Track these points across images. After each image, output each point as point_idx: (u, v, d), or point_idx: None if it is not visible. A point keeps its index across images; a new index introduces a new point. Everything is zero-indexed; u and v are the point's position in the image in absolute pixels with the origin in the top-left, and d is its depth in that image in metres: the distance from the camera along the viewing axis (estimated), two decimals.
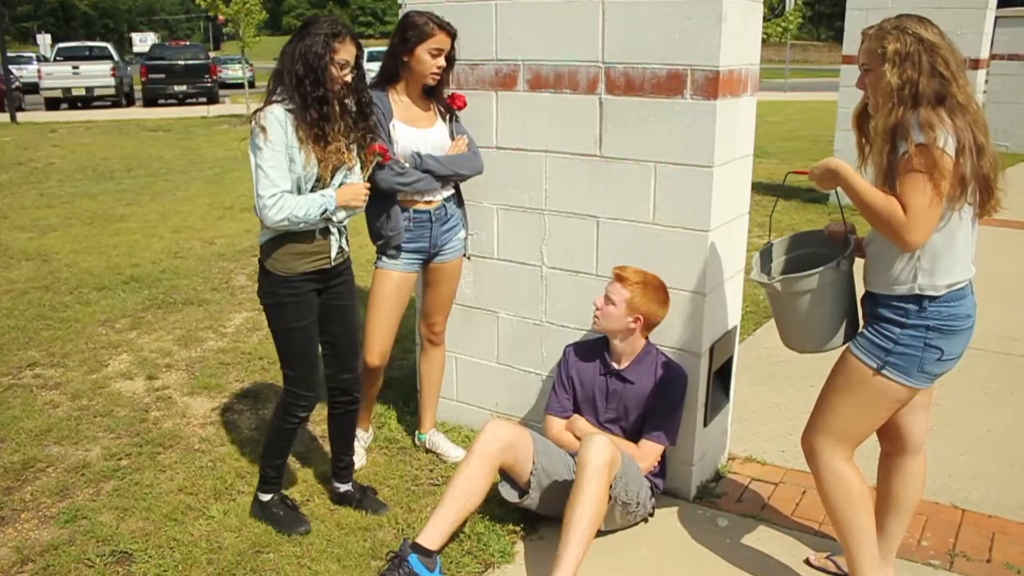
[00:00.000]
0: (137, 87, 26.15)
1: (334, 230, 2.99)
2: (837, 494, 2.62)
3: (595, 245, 3.35)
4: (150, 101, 24.69)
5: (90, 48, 26.22)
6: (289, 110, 2.80)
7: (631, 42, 3.09)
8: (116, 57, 25.29)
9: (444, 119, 3.42)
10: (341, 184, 2.96)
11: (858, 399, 2.53)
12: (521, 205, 3.51)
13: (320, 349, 3.15)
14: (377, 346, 3.45)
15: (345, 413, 3.27)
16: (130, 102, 25.30)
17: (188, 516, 3.24)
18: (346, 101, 2.93)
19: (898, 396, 2.49)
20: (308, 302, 2.98)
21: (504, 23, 3.37)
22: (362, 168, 3.03)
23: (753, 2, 3.11)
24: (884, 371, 2.45)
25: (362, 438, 3.71)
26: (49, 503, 3.35)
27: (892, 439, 2.75)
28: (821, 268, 2.51)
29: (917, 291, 2.39)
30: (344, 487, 3.35)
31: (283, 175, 2.78)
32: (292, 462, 3.66)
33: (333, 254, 3.00)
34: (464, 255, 3.60)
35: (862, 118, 2.55)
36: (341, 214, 2.96)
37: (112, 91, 23.84)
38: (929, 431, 3.86)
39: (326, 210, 2.85)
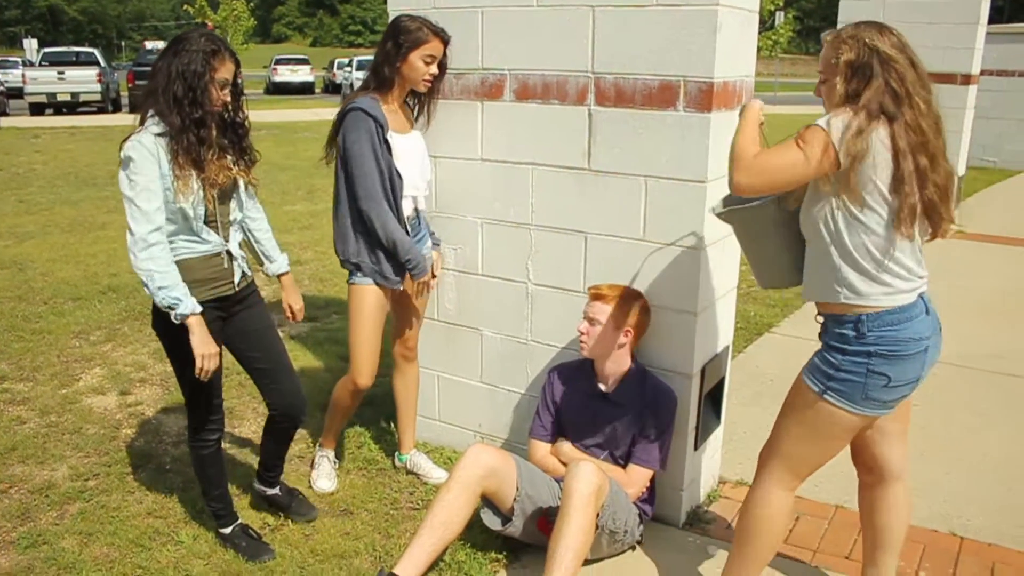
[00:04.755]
0: (124, 93, 25.95)
1: (237, 255, 2.87)
2: (758, 516, 2.54)
3: (583, 261, 3.24)
4: (137, 107, 24.49)
5: (76, 53, 25.97)
6: (160, 135, 2.62)
7: (622, 52, 2.98)
8: (103, 63, 25.06)
9: (415, 123, 3.36)
10: (242, 218, 2.90)
11: (804, 422, 2.44)
12: (506, 219, 3.39)
13: (252, 380, 3.09)
14: (367, 366, 3.31)
15: (283, 432, 3.18)
16: (116, 108, 25.08)
17: (155, 542, 3.10)
18: (224, 119, 2.79)
19: (846, 423, 2.38)
20: (211, 330, 2.79)
21: (490, 31, 3.26)
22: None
23: (749, 13, 3.01)
24: (826, 396, 2.35)
25: (331, 458, 3.58)
26: (9, 527, 3.19)
27: (870, 468, 2.65)
28: (764, 199, 2.49)
29: (844, 300, 2.31)
30: (271, 491, 3.27)
31: (159, 209, 2.60)
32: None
33: (236, 279, 2.87)
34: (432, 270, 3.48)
35: None
36: (235, 247, 2.85)
37: (98, 97, 23.60)
38: (923, 456, 3.79)
39: (171, 307, 2.61)
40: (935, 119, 2.25)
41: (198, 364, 2.69)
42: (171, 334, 2.76)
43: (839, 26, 9.18)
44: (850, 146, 2.18)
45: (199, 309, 2.67)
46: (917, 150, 2.20)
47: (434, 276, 3.37)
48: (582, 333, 2.99)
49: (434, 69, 3.16)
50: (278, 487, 3.29)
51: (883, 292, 2.28)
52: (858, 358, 2.31)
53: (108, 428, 4.06)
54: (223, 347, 2.95)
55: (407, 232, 3.20)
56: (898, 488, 2.63)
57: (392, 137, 3.13)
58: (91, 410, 4.26)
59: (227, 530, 3.06)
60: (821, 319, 2.43)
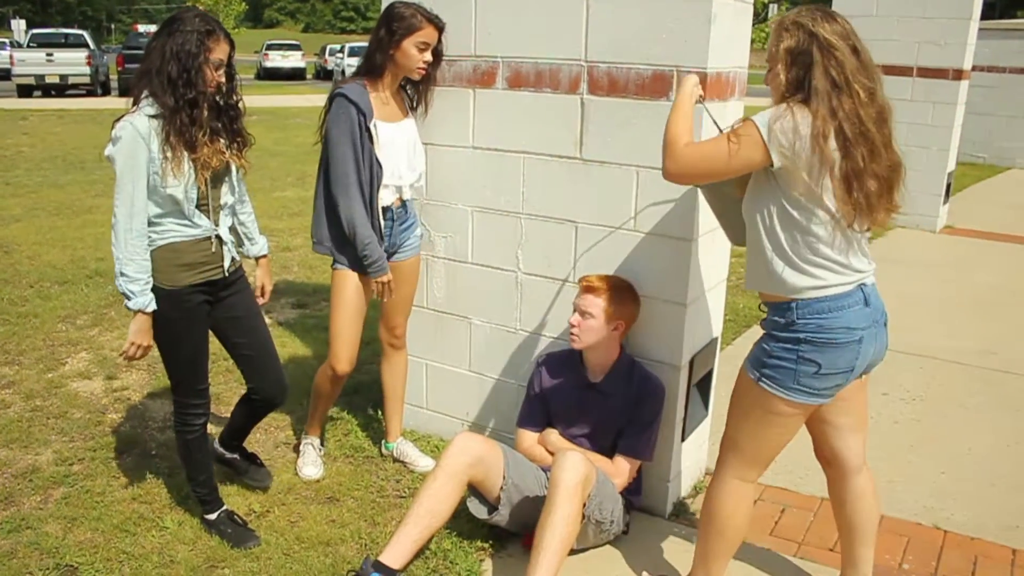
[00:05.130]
0: (113, 76, 25.74)
1: (227, 240, 2.87)
2: (718, 508, 2.56)
3: (573, 251, 3.23)
4: (126, 91, 24.00)
5: (65, 35, 25.69)
6: (153, 116, 2.62)
7: (616, 41, 2.97)
8: (92, 45, 24.82)
9: (416, 112, 3.32)
10: (234, 203, 2.92)
11: (746, 412, 2.47)
12: (497, 207, 3.38)
13: (236, 364, 3.12)
14: (346, 352, 3.31)
15: (259, 411, 3.23)
16: (106, 91, 24.86)
17: (140, 527, 3.08)
18: (217, 101, 2.78)
19: (782, 411, 2.38)
20: (197, 315, 2.84)
21: (483, 18, 3.24)
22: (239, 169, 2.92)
23: (743, 4, 3.00)
24: (761, 383, 2.38)
25: (316, 445, 3.57)
26: None
27: (829, 462, 2.67)
28: None
29: (774, 292, 2.35)
30: (230, 455, 3.33)
31: (142, 194, 2.62)
32: None
33: (226, 264, 2.88)
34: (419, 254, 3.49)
35: None
36: (225, 232, 2.87)
37: (87, 80, 23.36)
38: (912, 449, 3.81)
39: (125, 295, 2.67)
40: (878, 109, 2.23)
41: (125, 347, 2.75)
42: (158, 317, 2.76)
43: None
44: (825, 152, 2.17)
45: (149, 309, 2.70)
46: (856, 141, 2.18)
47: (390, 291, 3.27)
48: (573, 326, 2.97)
49: (428, 56, 3.14)
50: (238, 452, 3.34)
51: (812, 286, 2.29)
52: (788, 344, 2.33)
53: (94, 413, 4.03)
54: (210, 331, 2.94)
55: (380, 223, 3.17)
56: (860, 480, 2.63)
57: (377, 125, 3.11)
58: (77, 394, 4.23)
59: (212, 516, 3.05)
60: (765, 308, 2.46)
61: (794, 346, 2.32)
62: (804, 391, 2.34)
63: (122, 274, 2.64)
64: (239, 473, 3.33)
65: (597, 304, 2.92)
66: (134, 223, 2.62)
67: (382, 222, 3.19)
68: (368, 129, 3.07)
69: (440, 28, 3.13)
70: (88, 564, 2.86)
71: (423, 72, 3.17)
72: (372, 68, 3.15)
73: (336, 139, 3.06)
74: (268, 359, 3.08)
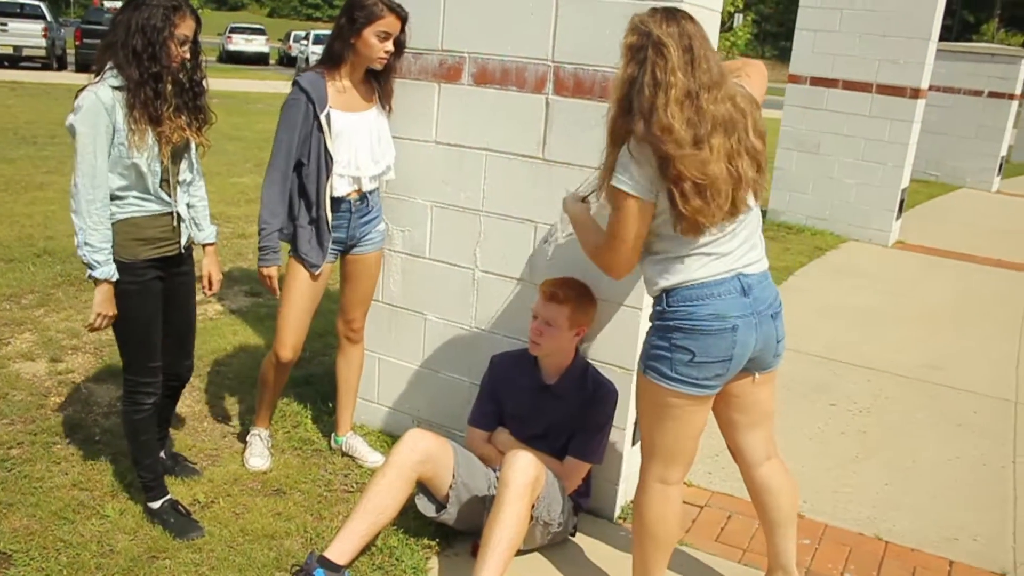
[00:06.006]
0: (71, 51, 25.16)
1: (185, 217, 2.88)
2: (643, 513, 2.57)
3: (531, 250, 3.22)
4: (83, 67, 23.61)
5: (21, 5, 24.99)
6: (117, 88, 2.62)
7: (583, 42, 2.97)
8: (49, 17, 24.22)
9: (381, 104, 3.27)
10: (192, 180, 2.92)
11: (644, 408, 2.52)
12: (457, 204, 3.36)
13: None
14: (290, 338, 3.28)
15: (174, 389, 3.20)
16: (62, 66, 24.29)
17: (80, 515, 3.01)
18: (180, 77, 2.77)
19: (670, 402, 2.41)
20: (152, 289, 2.85)
21: (452, 12, 3.22)
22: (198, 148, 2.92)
23: (710, 12, 3.01)
24: (646, 374, 2.43)
25: (263, 436, 3.52)
26: None
27: (735, 455, 2.72)
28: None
29: (649, 291, 2.47)
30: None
31: (104, 165, 2.62)
32: (197, 460, 3.46)
33: (183, 241, 2.89)
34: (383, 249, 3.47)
35: None
36: (183, 209, 2.88)
37: (43, 52, 22.77)
38: (857, 459, 3.87)
39: (89, 265, 2.67)
40: (699, 111, 2.22)
41: (91, 319, 2.75)
42: (115, 292, 2.74)
43: (796, 33, 9.17)
44: (654, 155, 2.23)
45: (114, 278, 2.70)
46: (663, 138, 2.20)
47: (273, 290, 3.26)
48: (536, 334, 2.94)
49: (389, 46, 3.10)
50: (163, 451, 3.28)
51: (679, 281, 2.34)
52: (664, 332, 2.38)
53: (36, 395, 3.93)
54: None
55: (328, 214, 3.14)
56: (761, 472, 2.67)
57: (333, 114, 3.08)
58: (19, 376, 4.12)
59: (156, 504, 2.99)
60: None
61: (667, 334, 2.36)
62: (683, 380, 2.36)
63: (86, 243, 2.63)
64: (164, 471, 3.23)
65: (561, 313, 2.90)
66: (97, 193, 2.62)
67: (329, 214, 3.15)
68: (318, 118, 3.04)
69: (402, 18, 3.10)
70: (23, 551, 2.78)
71: (384, 62, 3.14)
72: (332, 56, 3.12)
73: (278, 126, 3.08)
74: (190, 340, 3.13)
